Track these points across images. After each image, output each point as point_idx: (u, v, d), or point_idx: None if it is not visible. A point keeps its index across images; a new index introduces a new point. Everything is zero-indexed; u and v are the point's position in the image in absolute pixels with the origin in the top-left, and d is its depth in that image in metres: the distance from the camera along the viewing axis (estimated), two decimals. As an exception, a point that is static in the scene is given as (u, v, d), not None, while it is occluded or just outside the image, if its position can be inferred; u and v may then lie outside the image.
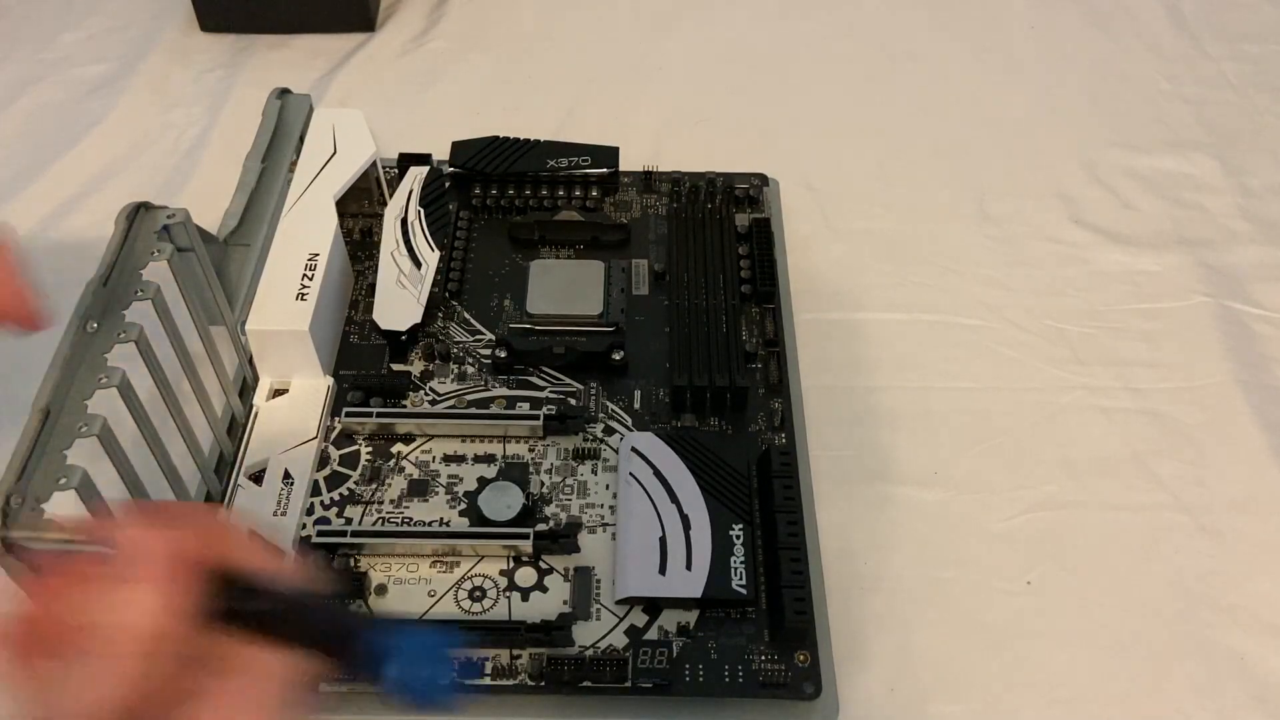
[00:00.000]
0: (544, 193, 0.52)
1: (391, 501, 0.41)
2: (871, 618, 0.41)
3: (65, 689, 0.21)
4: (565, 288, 0.48)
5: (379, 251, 0.47)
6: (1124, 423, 0.47)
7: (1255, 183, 0.58)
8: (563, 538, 0.39)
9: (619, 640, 0.38)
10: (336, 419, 0.43)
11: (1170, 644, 0.40)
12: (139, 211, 0.38)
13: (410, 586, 0.39)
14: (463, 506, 0.41)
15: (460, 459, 0.43)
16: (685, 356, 0.44)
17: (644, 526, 0.39)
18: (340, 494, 0.42)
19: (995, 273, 0.53)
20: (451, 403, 0.45)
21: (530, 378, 0.46)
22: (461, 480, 0.42)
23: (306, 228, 0.45)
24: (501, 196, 0.52)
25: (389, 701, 0.36)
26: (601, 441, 0.43)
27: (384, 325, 0.46)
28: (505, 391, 0.45)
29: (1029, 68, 0.66)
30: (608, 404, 0.45)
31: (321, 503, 0.41)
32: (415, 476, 0.42)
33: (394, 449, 0.43)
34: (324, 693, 0.36)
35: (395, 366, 0.46)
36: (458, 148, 0.52)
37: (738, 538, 0.38)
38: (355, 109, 0.51)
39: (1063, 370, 0.49)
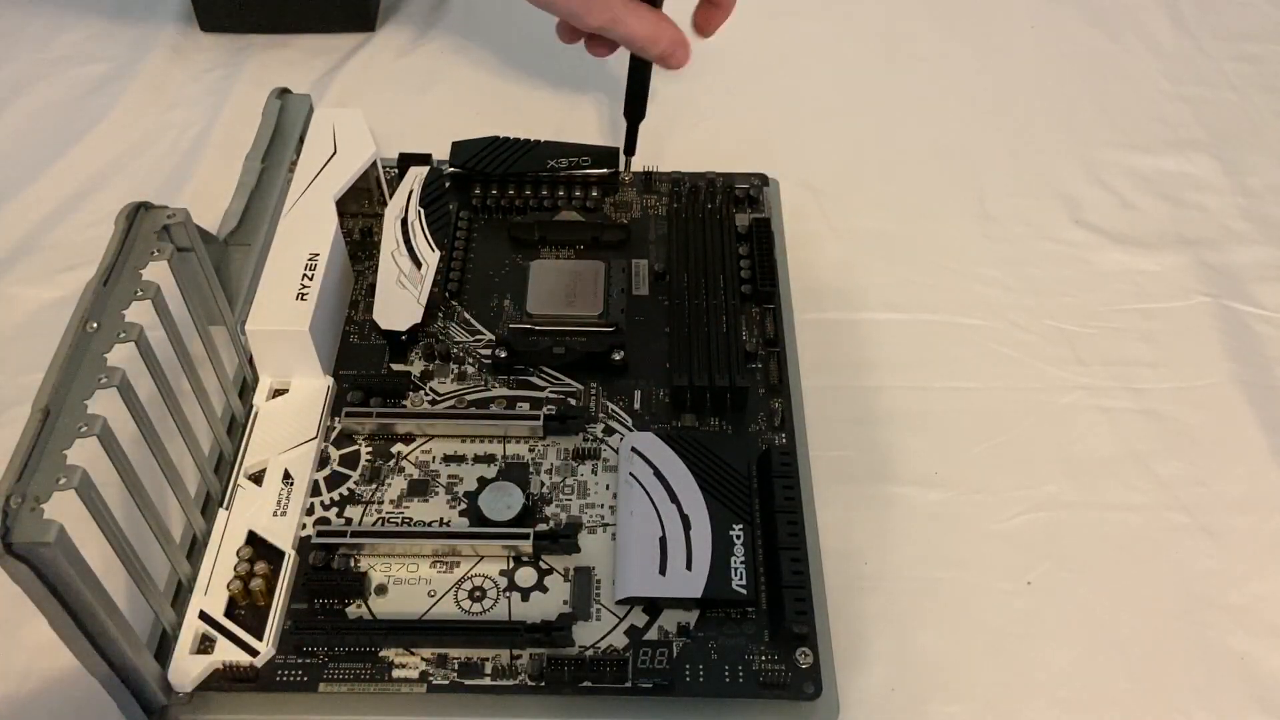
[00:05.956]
0: (544, 193, 0.52)
1: (391, 501, 0.41)
2: (871, 618, 0.41)
3: None
4: (565, 288, 0.48)
5: (379, 251, 0.47)
6: (1124, 423, 0.47)
7: (1255, 182, 0.58)
8: (563, 538, 0.39)
9: (619, 640, 0.38)
10: (336, 419, 0.43)
11: (1171, 644, 0.40)
12: (139, 211, 0.38)
13: (410, 586, 0.39)
14: (463, 506, 0.41)
15: (460, 459, 0.43)
16: (685, 356, 0.44)
17: (644, 526, 0.39)
18: (340, 494, 0.42)
19: (995, 273, 0.53)
20: (451, 403, 0.45)
21: (530, 378, 0.46)
22: (461, 480, 0.42)
23: (306, 228, 0.45)
24: (502, 196, 0.52)
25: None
26: (601, 441, 0.43)
27: (384, 325, 0.46)
28: (505, 391, 0.45)
29: (1029, 67, 0.66)
30: (608, 404, 0.45)
31: (321, 503, 0.41)
32: (415, 476, 0.42)
33: (394, 449, 0.43)
34: (324, 693, 0.36)
35: (395, 366, 0.46)
36: (458, 148, 0.52)
37: (738, 538, 0.38)
38: (355, 109, 0.51)
39: (1063, 370, 0.49)
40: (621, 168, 0.53)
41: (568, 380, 0.46)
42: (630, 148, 0.53)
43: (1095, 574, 0.42)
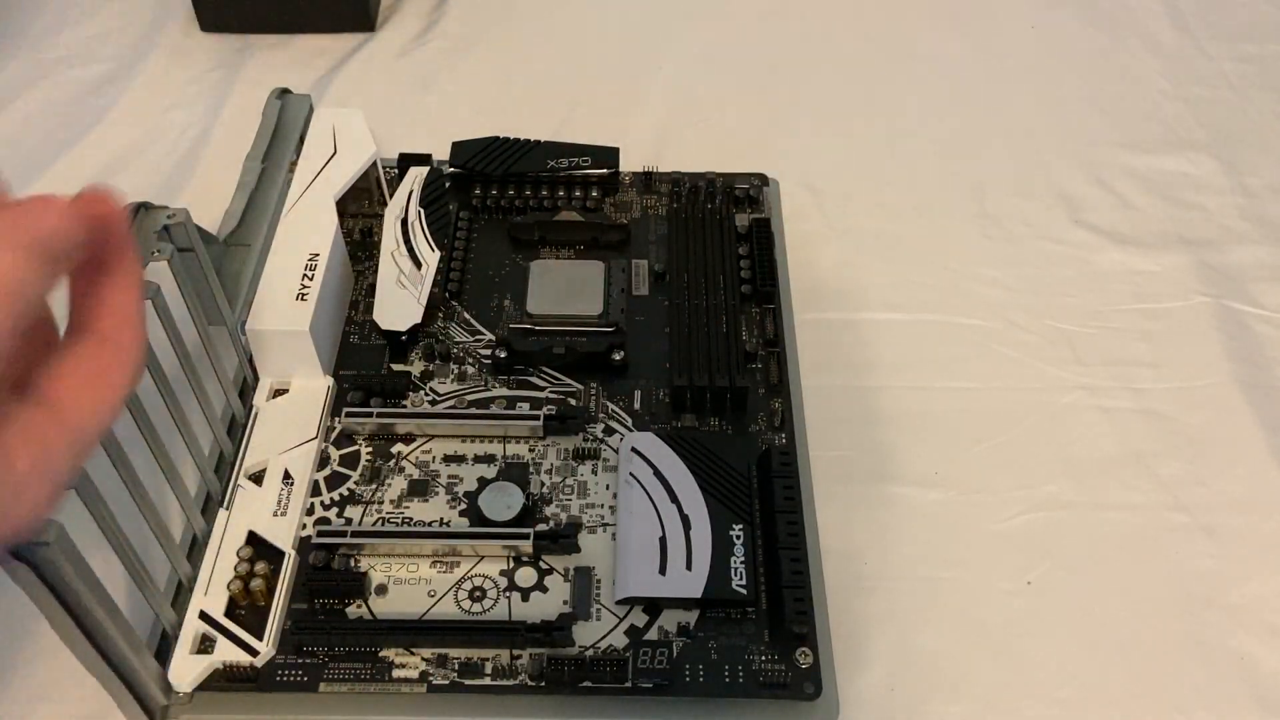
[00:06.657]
0: (544, 193, 0.52)
1: (391, 501, 0.41)
2: (871, 618, 0.41)
3: None
4: (565, 288, 0.48)
5: (379, 251, 0.47)
6: (1124, 423, 0.47)
7: (1255, 182, 0.58)
8: (563, 538, 0.39)
9: (619, 640, 0.38)
10: (337, 419, 0.43)
11: (1170, 644, 0.40)
12: (139, 211, 0.38)
13: (410, 586, 0.39)
14: (463, 506, 0.41)
15: (460, 459, 0.43)
16: (685, 356, 0.44)
17: (644, 526, 0.39)
18: (340, 494, 0.42)
19: (995, 273, 0.53)
20: (451, 403, 0.45)
21: (530, 378, 0.46)
22: (461, 480, 0.42)
23: (306, 228, 0.45)
24: (502, 197, 0.52)
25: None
26: (601, 441, 0.43)
27: (384, 325, 0.46)
28: (505, 391, 0.45)
29: (1029, 67, 0.66)
30: (608, 404, 0.45)
31: (322, 503, 0.41)
32: (415, 476, 0.42)
33: (394, 449, 0.43)
34: (324, 694, 0.36)
35: (395, 366, 0.46)
36: (458, 148, 0.52)
37: (738, 538, 0.38)
38: (355, 109, 0.51)
39: (1063, 370, 0.49)
40: None
41: (568, 380, 0.46)
42: None
43: (1095, 574, 0.42)
